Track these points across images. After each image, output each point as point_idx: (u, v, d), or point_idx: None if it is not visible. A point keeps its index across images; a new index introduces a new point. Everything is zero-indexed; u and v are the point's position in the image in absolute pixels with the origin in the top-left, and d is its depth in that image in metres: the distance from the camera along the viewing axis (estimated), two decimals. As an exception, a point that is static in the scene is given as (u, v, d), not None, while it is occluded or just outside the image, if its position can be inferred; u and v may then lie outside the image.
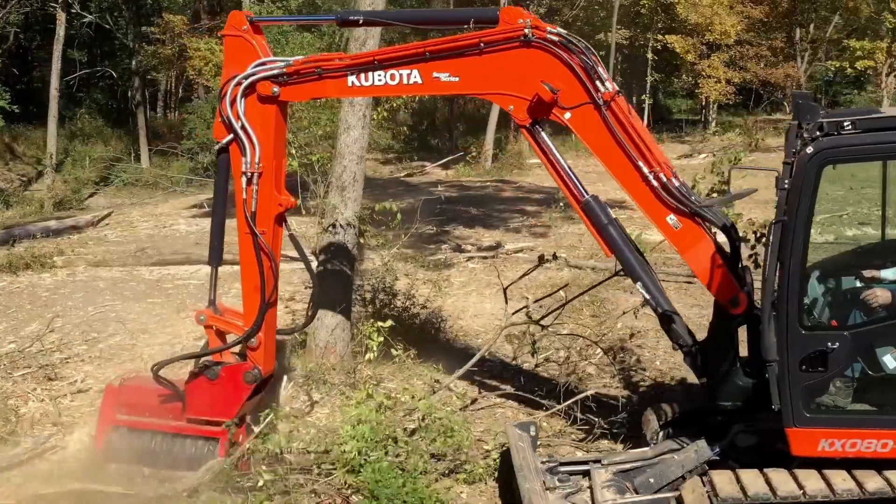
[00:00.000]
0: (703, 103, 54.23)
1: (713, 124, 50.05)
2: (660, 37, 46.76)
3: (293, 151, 10.79)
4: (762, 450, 6.34)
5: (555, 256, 9.95)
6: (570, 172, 6.82)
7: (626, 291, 12.29)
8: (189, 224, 21.00)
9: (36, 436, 8.46)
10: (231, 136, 6.99)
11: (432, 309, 10.76)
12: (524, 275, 9.75)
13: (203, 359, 7.39)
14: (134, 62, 39.59)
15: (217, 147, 7.10)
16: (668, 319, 6.73)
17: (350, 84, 6.92)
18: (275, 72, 6.90)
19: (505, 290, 9.12)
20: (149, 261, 16.09)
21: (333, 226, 9.57)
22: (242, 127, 6.93)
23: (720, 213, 6.67)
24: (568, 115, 6.57)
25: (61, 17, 30.93)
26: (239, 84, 6.90)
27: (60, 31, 31.33)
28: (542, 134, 6.76)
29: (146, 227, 20.79)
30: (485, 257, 15.66)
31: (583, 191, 6.79)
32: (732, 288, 6.50)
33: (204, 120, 32.88)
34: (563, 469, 6.94)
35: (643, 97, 49.11)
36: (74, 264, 15.87)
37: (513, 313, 9.11)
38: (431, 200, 20.82)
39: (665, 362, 10.06)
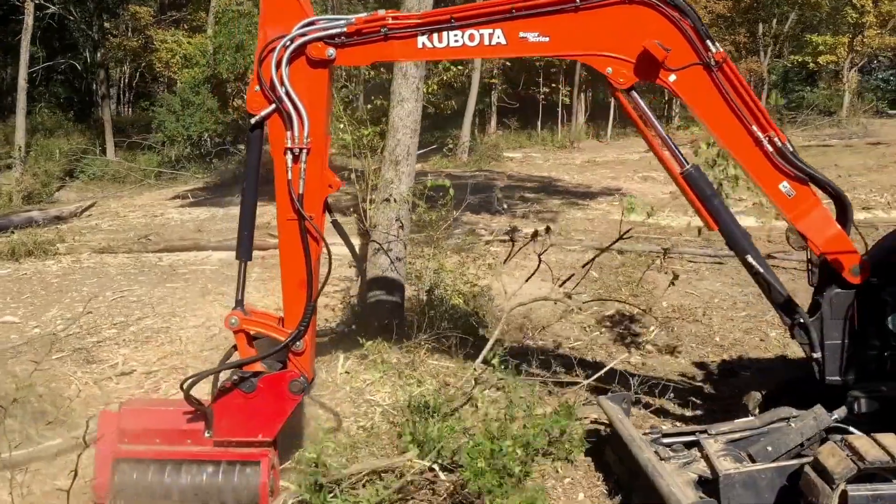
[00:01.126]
0: (666, 99, 54.57)
1: (676, 119, 50.35)
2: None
3: (342, 125, 10.45)
4: (883, 417, 6.19)
5: (547, 230, 9.61)
6: (669, 141, 6.43)
7: (660, 272, 12.18)
8: (181, 213, 20.62)
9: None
10: (272, 107, 5.93)
11: (481, 288, 10.50)
12: (543, 251, 9.48)
13: (233, 370, 6.24)
14: (99, 54, 38.77)
15: (254, 121, 6.04)
16: (778, 294, 6.55)
17: (420, 46, 6.20)
18: (333, 31, 5.99)
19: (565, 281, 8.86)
20: (155, 247, 15.76)
21: (388, 200, 9.30)
22: (288, 96, 5.91)
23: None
24: (673, 77, 6.13)
25: (30, 6, 30.10)
26: (286, 46, 5.89)
27: (29, 21, 30.57)
28: (640, 99, 6.37)
29: (136, 217, 20.35)
30: (503, 240, 15.45)
31: (683, 160, 6.40)
32: (853, 257, 6.32)
33: (173, 113, 32.32)
34: (665, 440, 6.76)
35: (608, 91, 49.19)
36: (78, 251, 15.45)
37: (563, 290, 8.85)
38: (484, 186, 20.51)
39: (724, 338, 9.95)
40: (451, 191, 9.55)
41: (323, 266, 6.29)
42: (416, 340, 8.96)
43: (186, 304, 11.79)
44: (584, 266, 9.44)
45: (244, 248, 6.25)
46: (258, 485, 6.00)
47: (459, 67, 43.72)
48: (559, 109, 48.71)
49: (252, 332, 6.19)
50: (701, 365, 9.17)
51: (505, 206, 18.83)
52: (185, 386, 6.08)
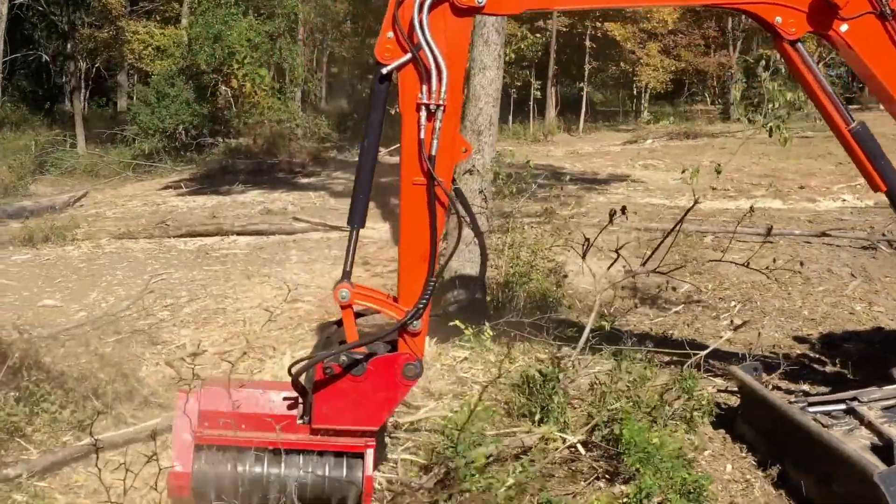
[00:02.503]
0: (636, 93, 54.89)
1: (645, 113, 50.51)
2: (599, 24, 46.93)
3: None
4: None
5: (623, 210, 9.35)
6: (835, 97, 6.05)
7: (715, 250, 12.01)
8: (185, 201, 20.04)
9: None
10: (407, 56, 5.29)
11: (554, 265, 10.21)
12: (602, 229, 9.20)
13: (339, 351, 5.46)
14: (69, 46, 37.84)
15: (384, 71, 5.38)
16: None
17: None
18: None
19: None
20: (177, 232, 15.31)
21: (470, 172, 8.96)
22: (428, 45, 5.29)
23: None
24: (845, 27, 5.74)
25: (4, -5, 29.22)
26: None
27: (3, 9, 29.59)
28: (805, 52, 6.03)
29: (136, 206, 19.74)
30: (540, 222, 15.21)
31: (850, 117, 6.01)
32: None
33: (147, 105, 31.63)
34: (812, 409, 6.51)
35: (580, 84, 49.22)
36: (96, 237, 14.89)
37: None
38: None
39: (812, 311, 9.78)
40: (531, 163, 9.27)
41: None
42: (509, 317, 8.60)
43: (234, 286, 11.40)
44: (664, 239, 9.12)
45: (358, 213, 5.56)
46: (363, 478, 5.35)
47: (537, 35, 43.55)
48: (531, 103, 48.56)
49: (361, 308, 5.50)
50: (799, 339, 8.96)
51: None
52: (294, 370, 5.41)
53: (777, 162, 22.90)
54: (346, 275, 5.43)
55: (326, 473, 5.37)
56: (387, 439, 6.91)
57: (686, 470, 5.92)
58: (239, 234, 15.07)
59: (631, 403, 6.57)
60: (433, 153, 5.29)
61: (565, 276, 9.96)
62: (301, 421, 5.43)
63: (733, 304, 9.74)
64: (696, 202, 8.45)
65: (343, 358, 5.33)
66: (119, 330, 9.60)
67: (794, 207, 16.27)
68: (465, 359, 8.54)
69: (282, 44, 33.47)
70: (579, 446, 6.53)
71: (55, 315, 10.33)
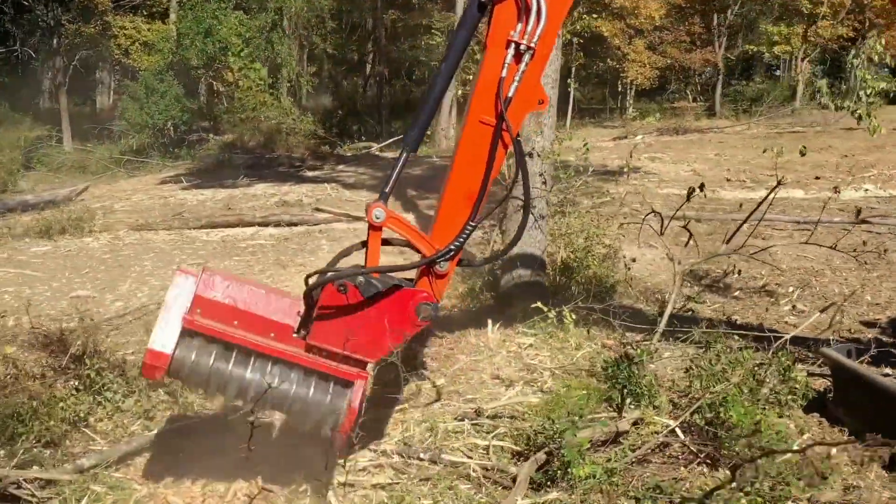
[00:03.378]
0: (620, 90, 54.91)
1: (630, 110, 50.48)
2: (585, 20, 46.79)
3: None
4: None
5: (702, 187, 9.15)
6: None
7: (756, 237, 11.83)
8: (192, 194, 19.69)
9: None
10: None
11: (608, 250, 10.01)
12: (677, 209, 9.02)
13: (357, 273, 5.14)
14: (55, 41, 37.25)
15: None
16: None
17: None
18: None
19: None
20: (196, 223, 14.95)
21: (529, 155, 8.73)
22: None
23: None
24: None
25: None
26: None
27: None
28: None
29: (142, 199, 19.37)
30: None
31: None
32: None
33: (136, 100, 31.19)
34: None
35: (568, 81, 49.06)
36: (114, 228, 14.54)
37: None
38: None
39: (875, 296, 9.65)
40: (587, 147, 9.07)
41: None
42: (576, 302, 8.40)
43: (272, 276, 11.13)
44: (743, 222, 8.92)
45: (413, 136, 5.32)
46: (347, 409, 5.06)
47: (594, 16, 43.27)
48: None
49: (389, 237, 5.24)
50: (868, 323, 8.81)
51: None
52: (310, 282, 5.14)
53: (784, 154, 22.78)
54: (384, 196, 5.18)
55: (310, 394, 5.10)
56: (469, 425, 6.71)
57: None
58: (261, 224, 14.79)
59: (732, 386, 6.36)
60: (510, 95, 5.07)
61: (634, 260, 9.73)
62: (297, 334, 5.14)
63: (791, 289, 9.52)
64: (779, 183, 8.26)
65: (360, 279, 5.02)
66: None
67: (818, 197, 16.16)
68: (531, 345, 8.30)
69: (274, 38, 33.12)
70: (678, 430, 6.30)
71: (91, 305, 10.00)
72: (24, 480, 5.84)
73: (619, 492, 5.70)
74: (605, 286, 9.25)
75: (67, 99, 48.03)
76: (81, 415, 6.79)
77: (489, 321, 8.56)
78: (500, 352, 8.23)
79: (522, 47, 5.04)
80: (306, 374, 5.09)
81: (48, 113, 40.54)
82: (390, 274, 5.24)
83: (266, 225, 14.77)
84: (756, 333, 7.85)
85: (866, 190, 16.41)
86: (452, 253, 5.18)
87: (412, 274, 5.42)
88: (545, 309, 7.84)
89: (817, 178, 18.83)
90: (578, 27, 45.49)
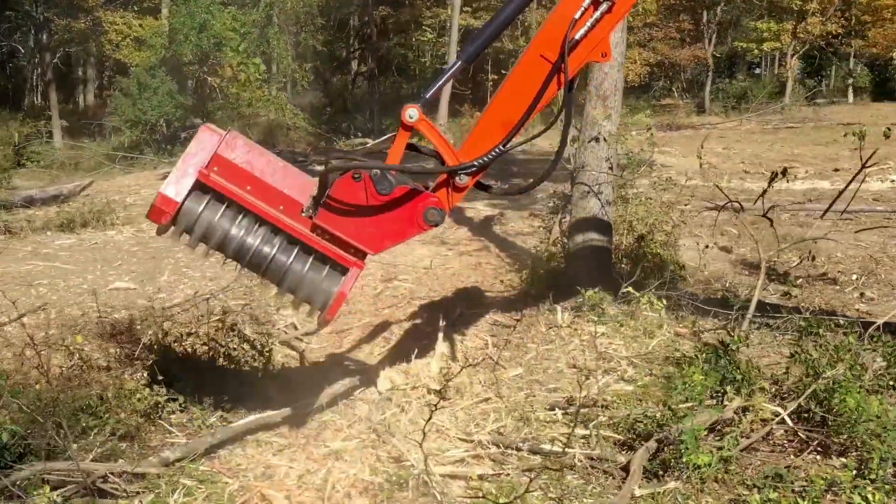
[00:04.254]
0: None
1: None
2: (576, 17, 46.71)
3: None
4: None
5: (784, 172, 8.97)
6: None
7: (801, 226, 11.72)
8: (205, 188, 19.22)
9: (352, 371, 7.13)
10: None
11: (667, 238, 9.82)
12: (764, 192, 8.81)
13: (372, 163, 5.32)
14: (44, 37, 36.72)
15: None
16: None
17: None
18: None
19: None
20: (221, 216, 14.57)
21: (596, 139, 8.53)
22: None
23: None
24: None
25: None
26: None
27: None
28: None
29: (151, 193, 18.90)
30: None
31: None
32: None
33: (128, 96, 30.75)
34: None
35: (559, 78, 49.00)
36: (136, 222, 14.21)
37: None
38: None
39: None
40: (652, 129, 8.88)
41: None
42: (649, 290, 8.21)
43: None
44: (826, 210, 8.76)
45: (470, 50, 5.52)
46: (338, 293, 5.25)
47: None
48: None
49: (421, 137, 5.43)
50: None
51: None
52: (328, 165, 5.28)
53: (792, 148, 22.83)
54: (423, 100, 5.33)
55: (306, 271, 5.27)
56: (560, 414, 6.56)
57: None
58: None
59: (843, 372, 6.18)
60: (577, 38, 5.17)
61: (707, 247, 9.55)
62: (305, 213, 5.27)
63: (855, 276, 9.37)
64: (864, 165, 8.09)
65: (376, 172, 5.16)
66: (213, 311, 8.96)
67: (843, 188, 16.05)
68: (603, 334, 8.09)
69: (269, 33, 32.80)
70: (787, 418, 6.11)
71: (133, 297, 9.70)
72: (112, 474, 5.55)
73: (734, 480, 5.51)
74: (669, 275, 9.03)
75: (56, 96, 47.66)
76: (154, 407, 6.49)
77: (558, 309, 8.35)
78: (572, 340, 8.05)
79: None
80: (306, 252, 5.27)
81: (34, 109, 40.01)
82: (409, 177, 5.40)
83: (292, 217, 14.44)
84: (843, 319, 7.67)
85: (893, 181, 16.33)
86: (475, 169, 5.30)
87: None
88: (634, 293, 7.67)
89: (836, 169, 18.75)
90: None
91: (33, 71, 42.22)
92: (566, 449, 5.91)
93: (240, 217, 5.21)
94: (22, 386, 6.29)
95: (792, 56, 48.73)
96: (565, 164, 9.08)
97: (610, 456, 5.86)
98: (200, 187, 5.14)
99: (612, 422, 6.33)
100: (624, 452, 5.92)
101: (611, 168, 8.62)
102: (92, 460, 5.76)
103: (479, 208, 14.42)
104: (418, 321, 8.33)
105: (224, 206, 5.19)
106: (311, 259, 5.29)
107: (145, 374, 6.92)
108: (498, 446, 6.14)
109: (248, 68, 29.00)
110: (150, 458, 5.81)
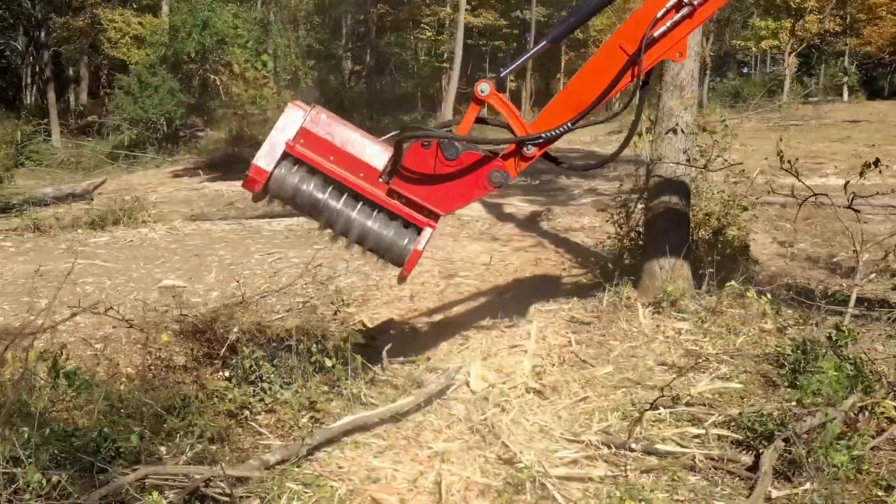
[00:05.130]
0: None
1: (617, 105, 50.21)
2: (576, 15, 46.55)
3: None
4: None
5: (877, 163, 8.76)
6: None
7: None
8: (226, 186, 19.04)
9: (442, 370, 6.87)
10: None
11: (741, 232, 9.60)
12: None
13: (441, 131, 5.99)
14: (42, 34, 36.25)
15: None
16: None
17: None
18: None
19: None
20: (254, 213, 14.32)
21: (674, 131, 8.30)
22: None
23: None
24: None
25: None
26: None
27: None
28: None
29: (169, 191, 18.72)
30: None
31: None
32: None
33: (129, 94, 30.38)
34: None
35: (558, 76, 48.91)
36: (169, 219, 13.91)
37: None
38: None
39: None
40: (726, 121, 8.66)
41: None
42: (729, 284, 7.99)
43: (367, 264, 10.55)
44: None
45: (557, 32, 5.94)
46: (413, 251, 5.76)
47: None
48: (507, 94, 48.07)
49: (493, 109, 5.84)
50: None
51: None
52: (400, 136, 5.74)
53: (807, 144, 22.64)
54: (499, 78, 5.76)
55: (386, 232, 5.75)
56: (665, 413, 6.30)
57: None
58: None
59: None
60: (655, 35, 5.48)
61: (785, 244, 9.31)
62: (382, 178, 5.72)
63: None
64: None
65: (444, 140, 5.62)
66: (276, 308, 8.74)
67: (876, 183, 15.85)
68: (687, 330, 7.86)
69: (273, 30, 32.51)
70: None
71: (186, 296, 9.40)
72: (216, 478, 5.29)
73: (867, 480, 5.29)
74: (744, 270, 8.83)
75: (37, 96, 47.09)
76: (239, 407, 6.22)
77: (639, 305, 8.11)
78: (655, 337, 7.80)
79: (686, 1, 5.46)
80: (385, 214, 5.75)
81: (29, 108, 39.54)
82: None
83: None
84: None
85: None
86: (542, 141, 5.66)
87: None
88: (739, 288, 7.47)
89: (867, 165, 18.50)
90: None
91: (27, 69, 41.63)
92: (683, 449, 5.68)
93: (324, 184, 5.67)
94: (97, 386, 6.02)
95: (790, 54, 48.67)
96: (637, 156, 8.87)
97: (733, 456, 5.62)
98: (288, 158, 5.63)
99: (724, 421, 6.05)
100: (745, 452, 5.66)
101: (688, 160, 8.38)
102: (184, 463, 5.48)
103: (518, 204, 14.20)
104: (491, 318, 8.07)
105: (309, 175, 5.66)
106: (389, 220, 5.76)
107: (226, 374, 6.66)
108: (609, 447, 5.88)
109: (256, 65, 28.66)
110: (251, 461, 5.53)
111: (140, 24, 35.88)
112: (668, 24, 5.51)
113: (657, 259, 8.32)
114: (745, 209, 9.07)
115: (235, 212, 14.49)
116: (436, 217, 5.77)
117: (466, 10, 41.14)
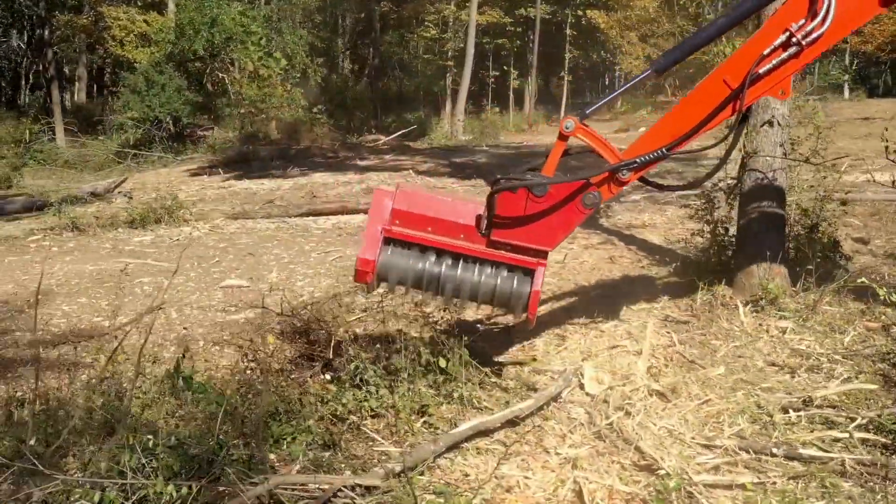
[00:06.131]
0: (606, 83, 54.65)
1: (619, 104, 50.10)
2: (580, 12, 46.44)
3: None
4: None
5: None
6: None
7: None
8: (254, 184, 18.79)
9: (558, 372, 6.57)
10: None
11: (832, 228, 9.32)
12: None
13: (528, 172, 5.98)
14: (46, 32, 35.82)
15: None
16: None
17: None
18: None
19: None
20: (297, 211, 14.04)
21: (770, 123, 8.03)
22: None
23: None
24: None
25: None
26: None
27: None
28: None
29: (199, 190, 18.37)
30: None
31: None
32: None
33: (136, 93, 30.00)
34: None
35: (561, 74, 48.74)
36: (209, 217, 13.58)
37: None
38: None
39: None
40: (821, 114, 8.40)
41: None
42: (839, 283, 7.72)
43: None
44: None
45: (662, 62, 5.92)
46: (532, 293, 5.77)
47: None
48: (510, 93, 47.98)
49: (584, 142, 5.86)
50: None
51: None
52: (495, 186, 5.76)
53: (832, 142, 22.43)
54: (582, 113, 5.79)
55: (498, 283, 5.79)
56: (796, 416, 6.02)
57: None
58: (365, 212, 13.89)
59: None
60: (760, 73, 5.54)
61: (861, 240, 9.06)
62: (482, 233, 5.80)
63: None
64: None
65: (527, 179, 5.75)
66: (351, 309, 8.42)
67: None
68: (791, 329, 7.58)
69: (284, 28, 32.22)
70: None
71: (250, 296, 9.10)
72: (346, 488, 5.01)
73: None
74: (836, 267, 8.57)
75: (29, 96, 46.58)
76: (345, 412, 5.92)
77: (738, 304, 7.83)
78: (759, 336, 7.51)
79: (794, 40, 5.48)
80: (493, 266, 5.81)
81: (31, 106, 39.11)
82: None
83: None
84: None
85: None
86: (636, 165, 5.73)
87: None
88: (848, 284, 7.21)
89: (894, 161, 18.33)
90: (569, 16, 45.15)
91: (29, 68, 41.20)
92: (828, 454, 5.42)
93: (430, 255, 5.80)
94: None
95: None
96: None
97: (885, 461, 5.34)
98: (389, 242, 5.79)
99: (863, 423, 5.78)
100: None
101: (784, 154, 8.10)
102: (299, 471, 5.18)
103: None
104: (581, 317, 7.79)
105: (414, 251, 5.81)
106: (498, 271, 5.82)
107: (327, 376, 6.37)
108: (748, 451, 5.59)
109: (269, 63, 28.35)
110: (376, 469, 5.22)
111: (145, 21, 35.49)
112: (774, 61, 5.55)
113: (754, 256, 8.03)
114: (844, 203, 8.75)
115: (278, 210, 14.08)
116: (543, 254, 5.83)
117: (469, 6, 40.94)
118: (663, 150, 5.74)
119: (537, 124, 42.57)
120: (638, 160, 5.74)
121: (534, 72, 45.36)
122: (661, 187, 6.99)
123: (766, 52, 5.54)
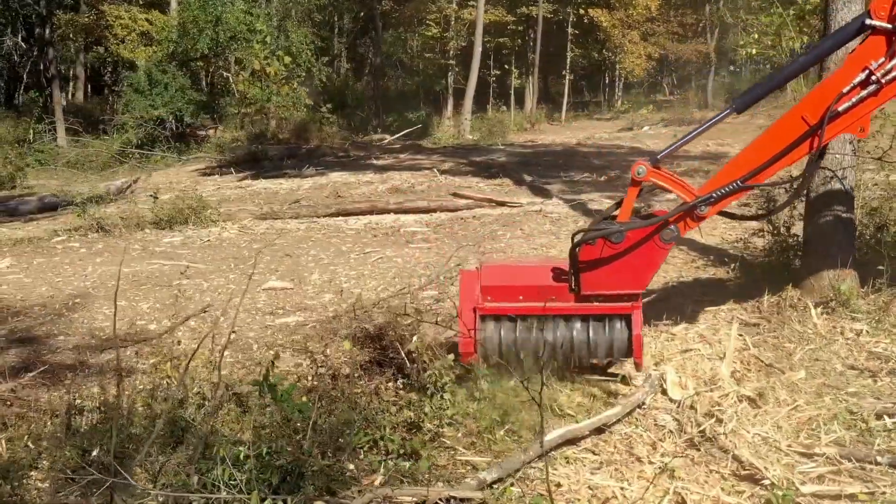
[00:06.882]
0: (607, 82, 54.49)
1: (619, 103, 50.04)
2: (582, 11, 46.25)
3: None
4: None
5: None
6: None
7: None
8: (271, 184, 18.51)
9: (643, 377, 6.34)
10: (890, 26, 5.49)
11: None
12: None
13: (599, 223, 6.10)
14: (47, 31, 35.43)
15: (865, 21, 5.62)
16: None
17: None
18: None
19: None
20: (326, 211, 13.85)
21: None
22: None
23: None
24: None
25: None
26: None
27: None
28: None
29: (217, 190, 18.09)
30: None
31: None
32: None
33: (141, 93, 29.65)
34: None
35: (563, 73, 48.52)
36: (237, 218, 13.33)
37: None
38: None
39: None
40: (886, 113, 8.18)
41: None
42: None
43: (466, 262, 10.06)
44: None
45: (742, 101, 5.98)
46: (631, 337, 5.86)
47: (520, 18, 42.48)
48: (511, 92, 47.79)
49: (658, 185, 5.97)
50: None
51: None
52: (575, 240, 5.89)
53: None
54: (654, 157, 5.91)
55: (596, 335, 5.91)
56: (890, 422, 5.82)
57: None
58: (395, 212, 13.72)
59: None
60: (839, 110, 5.55)
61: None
62: (571, 289, 5.92)
63: None
64: None
65: (601, 228, 5.87)
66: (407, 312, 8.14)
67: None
68: (866, 332, 7.37)
69: (288, 25, 31.95)
70: None
71: (297, 298, 8.86)
72: (441, 500, 4.81)
73: None
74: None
75: (23, 95, 46.10)
76: (424, 420, 5.69)
77: (811, 305, 7.60)
78: (834, 339, 7.29)
79: (874, 78, 5.50)
80: (590, 320, 5.92)
81: (28, 106, 38.61)
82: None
83: (403, 212, 13.66)
84: None
85: None
86: (713, 199, 5.77)
87: None
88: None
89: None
90: (571, 14, 44.97)
91: (26, 67, 40.77)
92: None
93: (525, 323, 5.91)
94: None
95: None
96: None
97: None
98: (484, 318, 5.91)
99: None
100: None
101: (854, 151, 7.89)
102: (381, 483, 4.98)
103: (603, 201, 13.68)
104: (647, 320, 7.53)
105: (509, 322, 5.92)
106: (595, 323, 5.93)
107: (399, 383, 6.15)
108: (849, 460, 5.37)
109: (275, 62, 28.08)
110: (468, 481, 4.99)
111: (147, 20, 35.16)
112: (854, 99, 5.55)
113: (823, 257, 7.82)
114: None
115: (306, 210, 13.83)
116: (636, 297, 5.89)
117: (473, 5, 40.73)
118: (738, 181, 5.75)
119: (539, 123, 42.34)
120: (714, 194, 5.77)
121: (535, 70, 45.09)
122: (734, 217, 6.93)
123: (845, 90, 5.54)
